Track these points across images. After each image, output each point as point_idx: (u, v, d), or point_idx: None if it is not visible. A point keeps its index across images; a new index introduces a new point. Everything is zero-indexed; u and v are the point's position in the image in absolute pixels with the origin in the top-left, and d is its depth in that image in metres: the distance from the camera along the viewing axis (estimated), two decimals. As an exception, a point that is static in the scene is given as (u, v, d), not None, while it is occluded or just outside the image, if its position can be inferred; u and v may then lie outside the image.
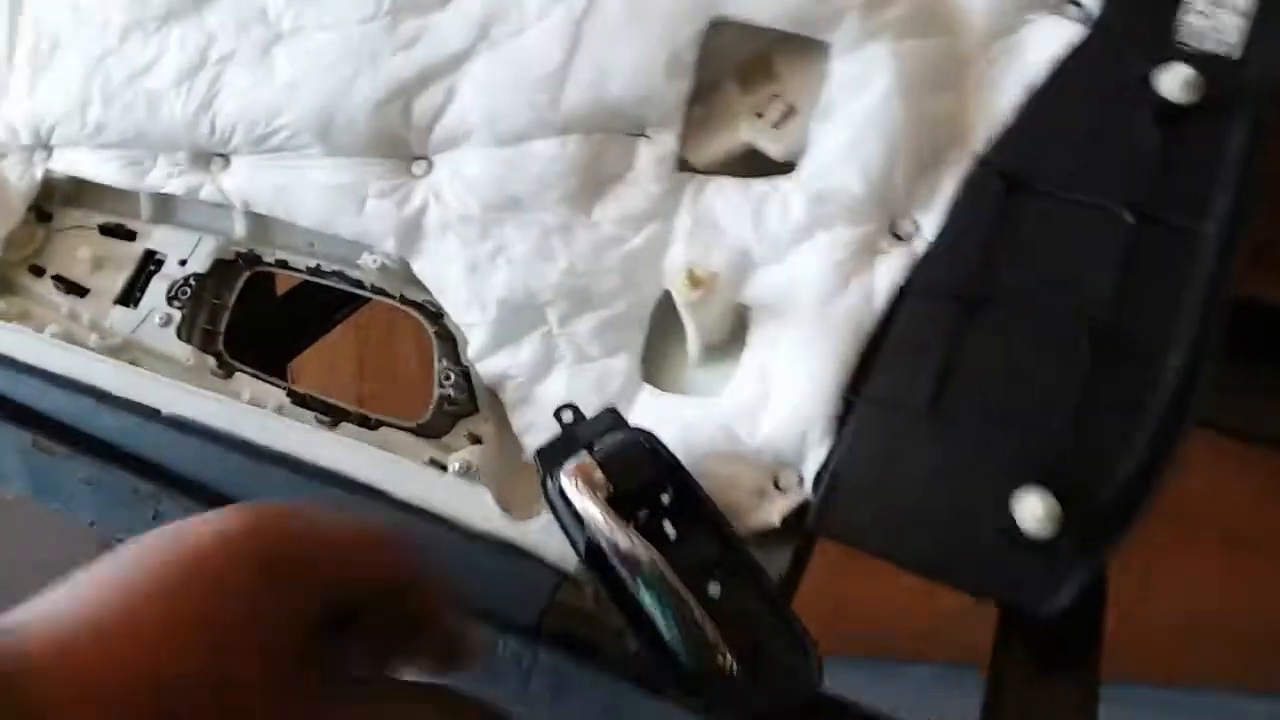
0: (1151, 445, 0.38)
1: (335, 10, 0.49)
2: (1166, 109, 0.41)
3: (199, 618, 0.26)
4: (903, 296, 0.43)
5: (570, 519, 0.40)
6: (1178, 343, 0.39)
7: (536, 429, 0.47)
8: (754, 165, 0.47)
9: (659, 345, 0.47)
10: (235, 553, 0.27)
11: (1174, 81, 0.41)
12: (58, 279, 0.54)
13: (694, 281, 0.43)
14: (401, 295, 0.51)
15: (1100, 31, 0.44)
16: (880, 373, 0.42)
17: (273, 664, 0.27)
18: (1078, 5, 0.45)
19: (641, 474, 0.40)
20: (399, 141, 0.49)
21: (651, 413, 0.45)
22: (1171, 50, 0.43)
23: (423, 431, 0.49)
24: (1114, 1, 0.44)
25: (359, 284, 0.52)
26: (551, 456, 0.41)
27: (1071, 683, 0.40)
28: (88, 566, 0.28)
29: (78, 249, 0.54)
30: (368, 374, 0.77)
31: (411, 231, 0.49)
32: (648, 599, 0.39)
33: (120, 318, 0.53)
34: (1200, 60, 0.42)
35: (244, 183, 0.51)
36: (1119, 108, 0.42)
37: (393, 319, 0.52)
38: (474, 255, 0.48)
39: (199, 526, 0.28)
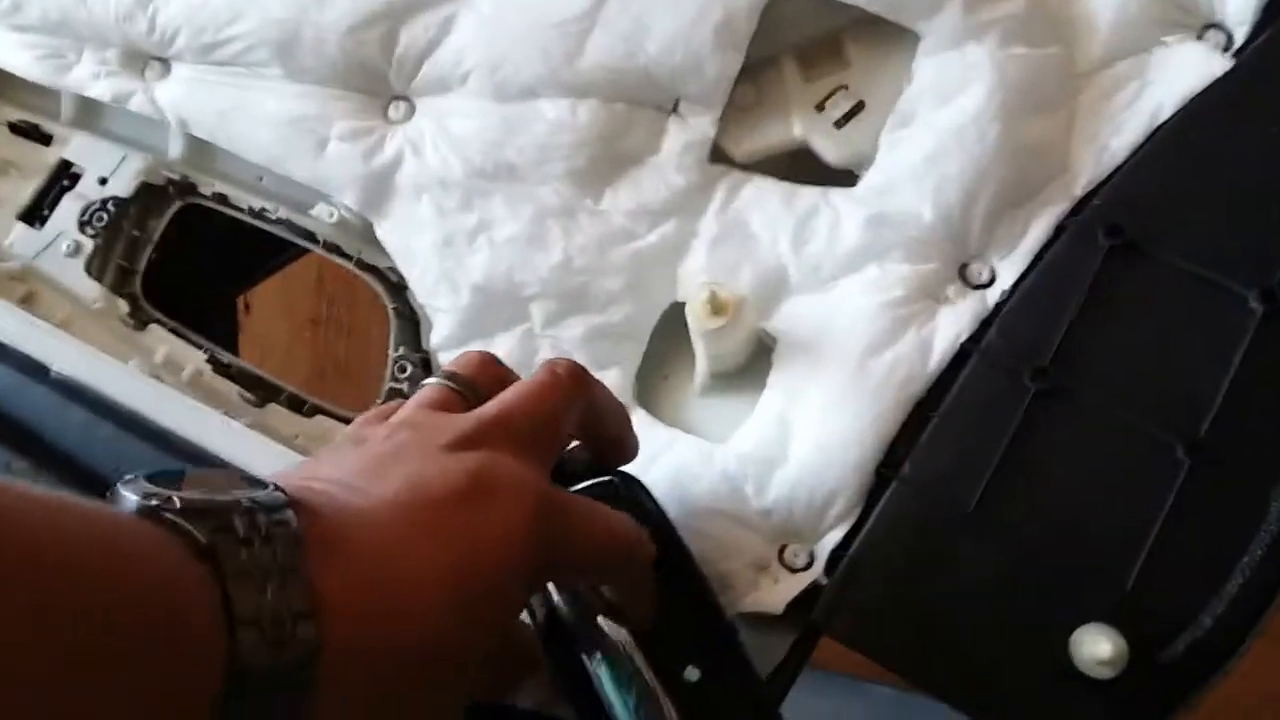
0: (1245, 593, 0.31)
1: (318, -101, 0.39)
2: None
3: (485, 597, 0.25)
4: (965, 358, 0.35)
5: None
6: (1296, 473, 0.32)
7: (501, 446, 0.39)
8: (804, 168, 0.39)
9: (658, 362, 0.40)
10: (527, 542, 0.26)
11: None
12: (-50, 178, 0.45)
13: (716, 307, 0.35)
14: (359, 257, 0.43)
15: (1250, 70, 0.36)
16: (926, 449, 0.34)
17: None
18: (1227, 35, 0.37)
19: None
20: (376, 75, 0.40)
21: (641, 445, 0.38)
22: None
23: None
24: (1272, 35, 0.36)
25: (310, 235, 0.43)
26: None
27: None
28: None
29: (-21, 145, 0.45)
30: (329, 331, 0.67)
31: (379, 187, 0.40)
32: (607, 683, 0.32)
33: (21, 237, 0.44)
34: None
35: (183, 97, 0.41)
36: (1265, 167, 0.34)
37: (353, 277, 0.43)
38: (451, 228, 0.39)
39: (504, 495, 0.26)
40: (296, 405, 0.41)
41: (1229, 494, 0.32)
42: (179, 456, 0.36)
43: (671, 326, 0.39)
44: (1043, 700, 0.31)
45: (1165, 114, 0.36)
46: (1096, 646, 0.31)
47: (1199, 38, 0.37)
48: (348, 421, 0.41)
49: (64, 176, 0.44)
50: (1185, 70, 0.36)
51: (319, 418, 0.41)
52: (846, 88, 0.39)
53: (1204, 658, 0.31)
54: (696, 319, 0.35)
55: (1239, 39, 0.37)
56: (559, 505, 0.28)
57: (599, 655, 0.31)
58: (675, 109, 0.39)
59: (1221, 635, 0.31)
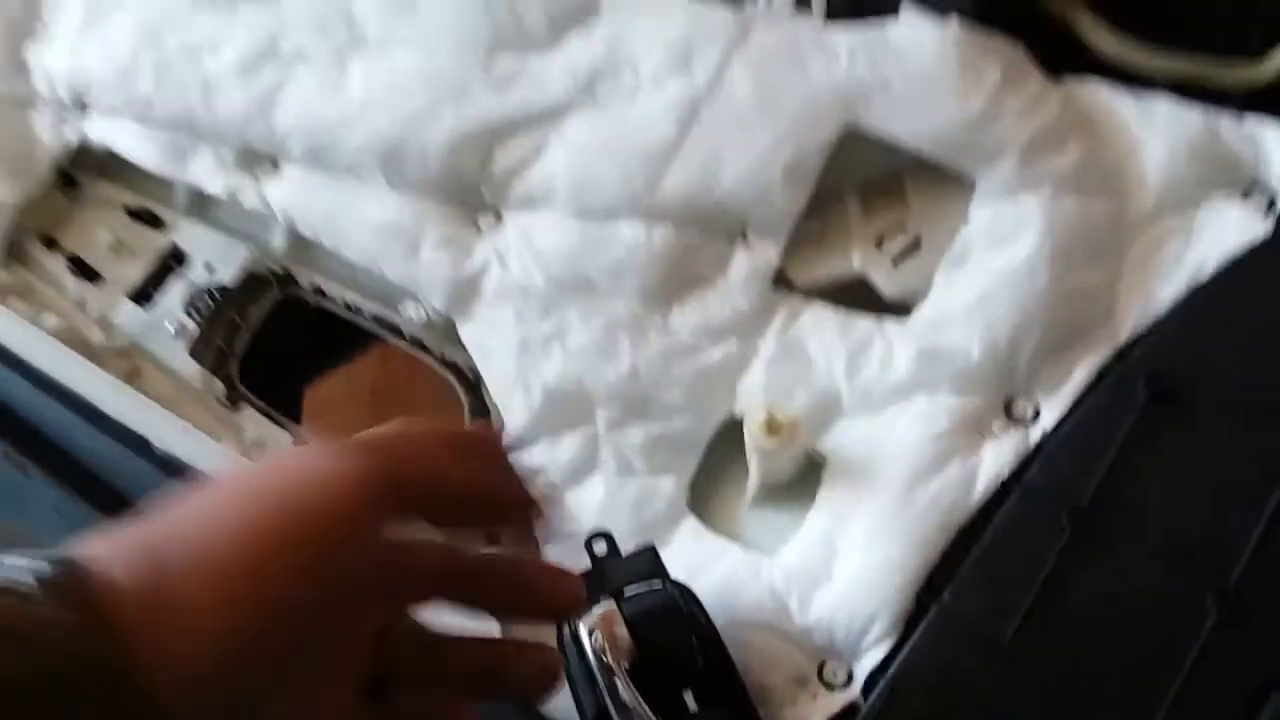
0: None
1: (429, 30, 0.43)
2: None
3: (311, 544, 0.27)
4: (1006, 492, 0.37)
5: (581, 673, 0.35)
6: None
7: (559, 540, 0.42)
8: (861, 298, 0.41)
9: (712, 472, 0.42)
10: (368, 498, 0.28)
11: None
12: (73, 259, 0.49)
13: (772, 427, 0.37)
14: (442, 354, 0.46)
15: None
16: (967, 580, 0.36)
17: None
18: (1270, 197, 0.39)
19: (674, 643, 0.35)
20: (470, 189, 0.43)
21: (692, 551, 0.40)
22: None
23: (434, 513, 0.44)
24: (1311, 197, 0.38)
25: (397, 331, 0.46)
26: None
27: None
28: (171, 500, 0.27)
29: (98, 228, 0.49)
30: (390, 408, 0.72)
31: (466, 292, 0.43)
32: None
33: (130, 315, 0.47)
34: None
35: (291, 196, 0.45)
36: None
37: (415, 372, 0.46)
38: (529, 333, 0.42)
39: (321, 466, 0.28)
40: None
41: (1255, 647, 0.33)
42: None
43: (727, 439, 0.41)
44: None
45: (1209, 270, 0.38)
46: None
47: (1245, 195, 0.39)
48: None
49: (173, 259, 0.48)
50: (1228, 229, 0.38)
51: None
52: (905, 226, 0.41)
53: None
54: (753, 437, 0.37)
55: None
56: (388, 449, 0.31)
57: None
58: (744, 237, 0.41)
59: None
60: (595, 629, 0.35)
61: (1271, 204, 0.39)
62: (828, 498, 0.39)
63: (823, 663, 0.37)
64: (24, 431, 0.41)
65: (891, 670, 0.36)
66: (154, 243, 0.49)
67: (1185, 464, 0.36)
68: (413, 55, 0.43)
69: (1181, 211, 0.39)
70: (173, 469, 0.41)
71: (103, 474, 0.41)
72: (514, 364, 0.42)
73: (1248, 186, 0.40)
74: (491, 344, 0.43)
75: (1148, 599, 0.34)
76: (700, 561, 0.39)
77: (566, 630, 0.35)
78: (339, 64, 0.44)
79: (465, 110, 0.43)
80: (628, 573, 0.37)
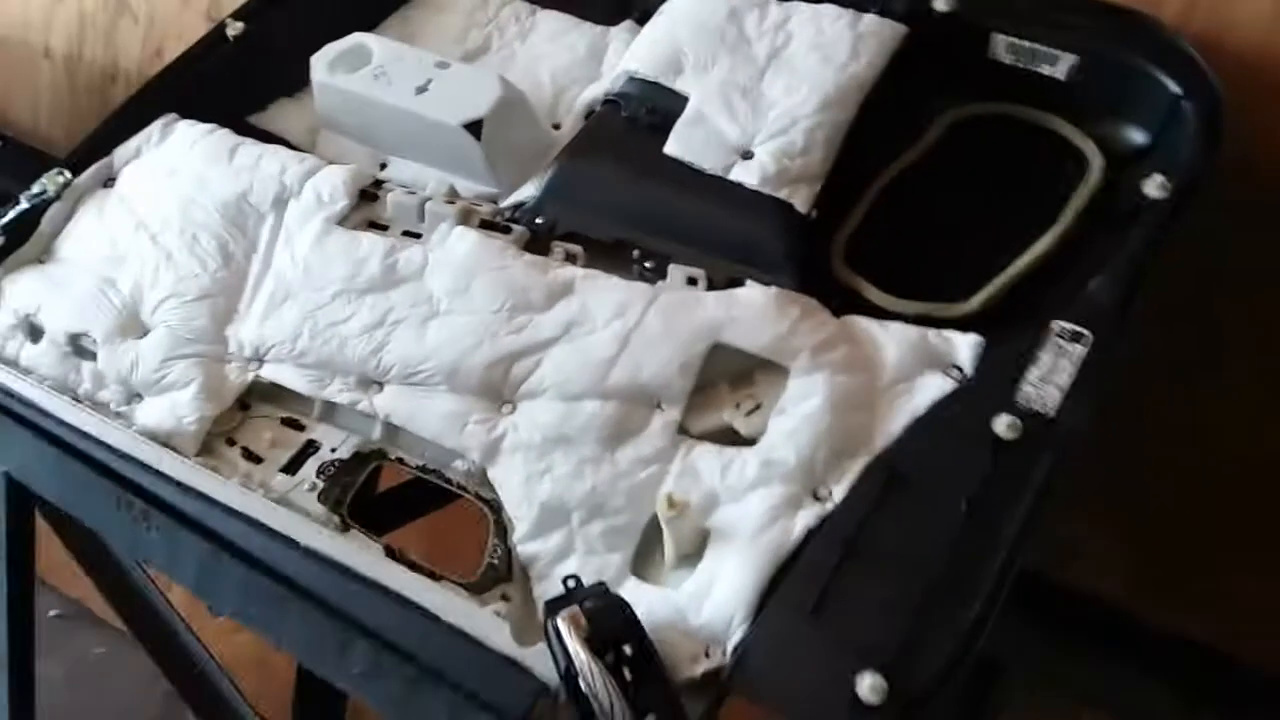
0: (952, 659, 0.55)
1: (476, 303, 0.75)
2: (997, 442, 0.63)
3: None
4: (810, 538, 0.63)
5: (559, 650, 0.59)
6: (980, 595, 0.57)
7: (549, 597, 0.66)
8: (728, 438, 0.69)
9: (646, 551, 0.67)
10: None
11: (1004, 427, 0.63)
12: (244, 450, 0.77)
13: (671, 503, 0.64)
14: (476, 491, 0.73)
15: (966, 390, 0.66)
16: (786, 585, 0.61)
17: None
18: (959, 370, 0.68)
19: (614, 626, 0.59)
20: (495, 390, 0.73)
21: (631, 594, 0.64)
22: (1011, 407, 0.64)
23: (471, 588, 0.68)
24: (979, 372, 0.67)
25: (448, 480, 0.74)
26: (554, 606, 0.60)
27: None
28: None
29: (263, 432, 0.78)
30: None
31: (493, 449, 0.71)
32: (601, 720, 0.56)
33: (281, 481, 0.75)
34: (1026, 414, 0.63)
35: (390, 403, 0.75)
36: (968, 440, 0.63)
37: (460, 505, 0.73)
38: (530, 470, 0.70)
39: None
40: (433, 575, 0.69)
41: (949, 604, 0.57)
42: (379, 593, 0.64)
43: (656, 531, 0.67)
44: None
45: (921, 410, 0.66)
46: (870, 683, 0.55)
47: (945, 374, 0.68)
48: (460, 585, 0.69)
49: (310, 447, 0.77)
50: (932, 389, 0.67)
51: (444, 581, 0.69)
52: (752, 396, 0.70)
53: (935, 688, 0.55)
54: (661, 511, 0.64)
55: (967, 373, 0.68)
56: None
57: (597, 703, 0.56)
58: (659, 406, 0.70)
59: (944, 675, 0.55)
60: (566, 620, 0.59)
61: (961, 376, 0.68)
62: (711, 551, 0.64)
63: (708, 645, 0.60)
64: (218, 539, 0.68)
65: (745, 642, 0.59)
66: (298, 438, 0.77)
67: (909, 513, 0.62)
68: (466, 318, 0.74)
69: (907, 380, 0.68)
70: (314, 556, 0.66)
71: (268, 561, 0.67)
72: (521, 491, 0.69)
73: (946, 367, 0.68)
74: (508, 480, 0.70)
75: (888, 583, 0.59)
76: (634, 599, 0.63)
77: (549, 624, 0.59)
78: (422, 325, 0.75)
79: (495, 345, 0.73)
80: (587, 594, 0.62)
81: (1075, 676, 0.86)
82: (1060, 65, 0.82)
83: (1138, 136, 0.80)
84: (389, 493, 0.87)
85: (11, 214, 0.92)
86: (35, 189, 0.93)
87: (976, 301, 0.74)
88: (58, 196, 0.92)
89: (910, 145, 0.85)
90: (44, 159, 1.45)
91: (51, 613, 1.74)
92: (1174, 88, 0.76)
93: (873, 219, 0.81)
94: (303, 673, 1.16)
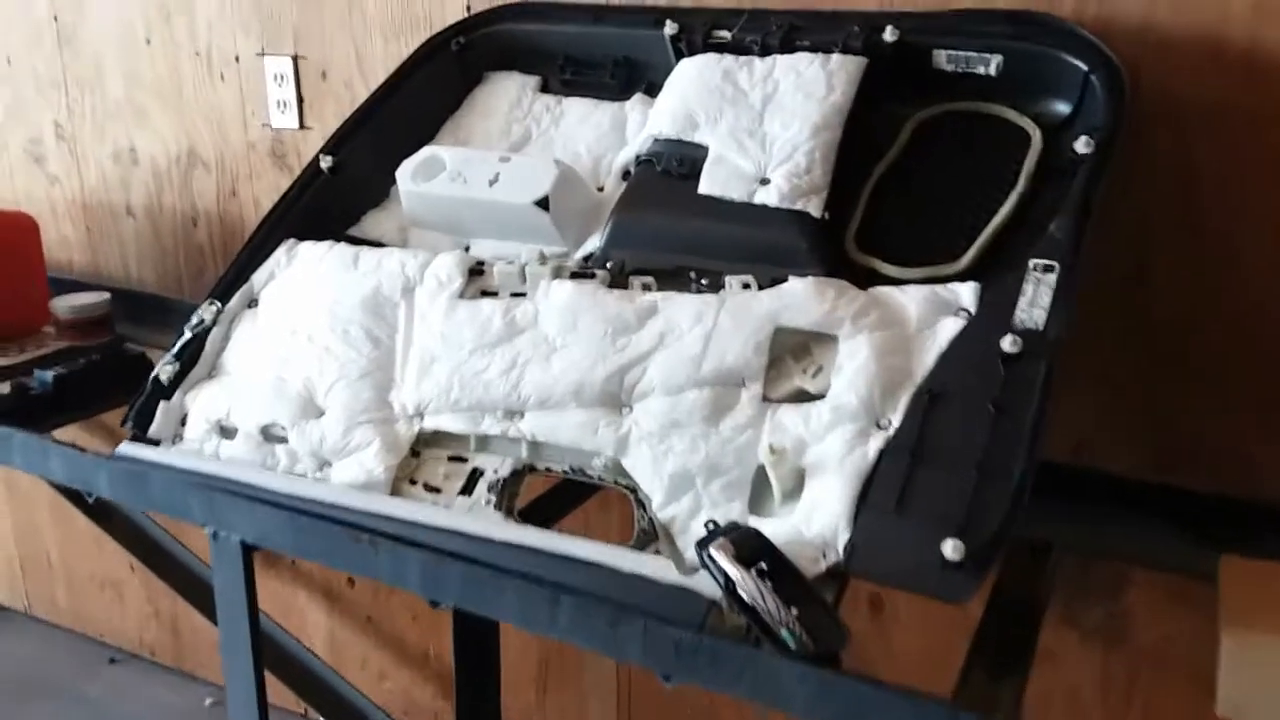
0: (1007, 516, 0.76)
1: (584, 335, 0.96)
2: (1005, 356, 0.83)
3: None
4: (881, 457, 0.83)
5: (718, 571, 0.79)
6: (1017, 470, 0.78)
7: (692, 545, 0.86)
8: (802, 397, 0.90)
9: (758, 495, 0.88)
10: None
11: (1009, 344, 0.83)
12: (426, 485, 0.98)
13: (772, 450, 0.84)
14: (616, 480, 0.93)
15: (974, 325, 0.87)
16: (872, 494, 0.81)
17: None
18: (966, 311, 0.89)
19: (754, 547, 0.79)
20: (614, 398, 0.94)
21: (754, 527, 0.85)
22: (1010, 329, 0.85)
23: (632, 547, 0.89)
24: (981, 310, 0.88)
25: (589, 475, 0.94)
26: (704, 542, 0.81)
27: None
28: None
29: (437, 469, 0.99)
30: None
31: (623, 443, 0.92)
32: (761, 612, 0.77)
33: (461, 502, 0.96)
34: (1023, 332, 0.84)
35: (532, 426, 0.96)
36: (983, 360, 0.84)
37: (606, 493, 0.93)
38: (655, 452, 0.90)
39: None
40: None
41: (997, 479, 0.78)
42: (552, 559, 0.84)
43: (762, 479, 0.87)
44: (935, 575, 0.75)
45: (945, 346, 0.87)
46: (951, 546, 0.75)
47: (955, 315, 0.89)
48: (625, 546, 0.89)
49: (476, 474, 0.97)
50: (950, 329, 0.88)
51: (610, 545, 0.89)
52: (814, 361, 0.91)
53: (997, 541, 0.75)
54: (764, 457, 0.84)
55: (972, 313, 0.89)
56: None
57: (756, 602, 0.77)
58: (743, 384, 0.91)
59: (1003, 530, 0.75)
60: (720, 548, 0.79)
61: (967, 316, 0.89)
62: (809, 484, 0.85)
63: (824, 549, 0.81)
64: (431, 548, 0.88)
65: (851, 540, 0.80)
66: (465, 469, 0.98)
67: (949, 416, 0.82)
68: (580, 348, 0.96)
69: (930, 327, 0.89)
70: (508, 546, 0.87)
71: (466, 552, 0.87)
72: (652, 469, 0.90)
73: (956, 311, 0.89)
74: (638, 465, 0.91)
75: (947, 476, 0.79)
76: (761, 529, 0.84)
77: (705, 555, 0.80)
78: (546, 360, 0.96)
79: (608, 364, 0.94)
80: (726, 529, 0.82)
81: (1112, 543, 1.06)
82: (991, 64, 1.04)
83: (1062, 109, 1.01)
84: (543, 496, 1.08)
85: (180, 343, 1.13)
86: (194, 320, 1.15)
87: (966, 259, 0.95)
88: (214, 323, 1.14)
89: (887, 148, 1.06)
90: (142, 299, 1.68)
91: (208, 701, 1.93)
92: (1082, 66, 0.98)
93: (872, 211, 1.03)
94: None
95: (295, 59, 1.50)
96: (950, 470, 0.80)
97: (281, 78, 1.50)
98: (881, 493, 0.81)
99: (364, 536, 0.91)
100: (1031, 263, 0.88)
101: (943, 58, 1.06)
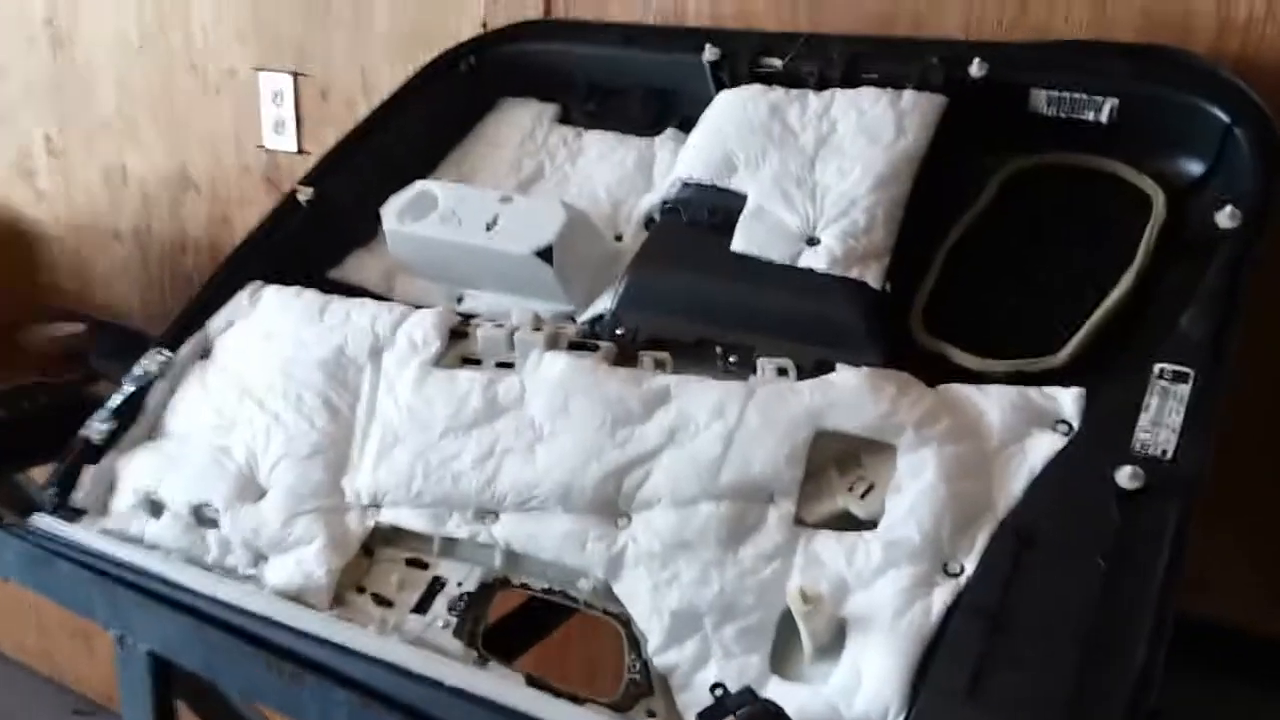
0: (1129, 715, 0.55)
1: (577, 423, 0.77)
2: (1122, 494, 0.63)
3: None
4: (950, 615, 0.63)
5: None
6: (1139, 652, 0.57)
7: (695, 706, 0.67)
8: (846, 523, 0.70)
9: (783, 648, 0.68)
10: None
11: (1127, 478, 0.63)
12: (375, 596, 0.79)
13: (805, 598, 0.64)
14: (604, 608, 0.74)
15: (1078, 444, 0.67)
16: (936, 669, 0.61)
17: None
18: (1067, 424, 0.69)
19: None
20: (609, 505, 0.74)
21: (777, 694, 0.65)
22: (1128, 456, 0.65)
23: (615, 707, 0.69)
24: (1087, 424, 0.67)
25: (574, 599, 0.75)
26: (711, 716, 0.61)
27: None
28: None
29: (390, 575, 0.80)
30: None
31: (616, 564, 0.72)
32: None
33: (415, 622, 0.77)
34: (1145, 461, 0.64)
35: (508, 530, 0.77)
36: (1091, 495, 0.64)
37: (593, 625, 0.74)
38: (656, 579, 0.71)
39: None
40: (576, 699, 0.70)
41: (1105, 668, 0.57)
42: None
43: (788, 625, 0.67)
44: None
45: (1037, 469, 0.66)
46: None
47: (1052, 429, 0.69)
48: (605, 705, 0.69)
49: (437, 584, 0.79)
50: (1044, 447, 0.67)
51: (589, 704, 0.70)
52: (864, 477, 0.71)
53: None
54: (796, 606, 0.64)
55: (1075, 427, 0.68)
56: None
57: None
58: (772, 500, 0.71)
59: None
60: (725, 731, 0.60)
61: (1069, 430, 0.68)
62: (852, 642, 0.65)
63: (865, 738, 0.61)
64: (362, 687, 0.69)
65: (904, 729, 0.59)
66: (424, 577, 0.80)
67: (1046, 578, 0.62)
68: (571, 437, 0.77)
69: (1017, 441, 0.69)
70: (462, 695, 0.68)
71: (419, 706, 0.68)
72: (650, 601, 0.70)
73: (1053, 423, 0.69)
74: (635, 592, 0.71)
75: (1041, 655, 0.59)
76: (781, 699, 0.64)
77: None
78: (529, 450, 0.78)
79: (603, 462, 0.75)
80: (737, 702, 0.62)
81: (1240, 715, 0.84)
82: (1103, 109, 0.84)
83: (1193, 168, 0.81)
84: (514, 614, 0.89)
85: (119, 398, 0.97)
86: (138, 371, 0.98)
87: (1066, 352, 0.74)
88: (160, 374, 0.97)
89: (967, 207, 0.87)
90: (128, 334, 1.53)
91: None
92: (1222, 116, 0.77)
93: (945, 283, 0.83)
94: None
95: (295, 75, 1.35)
96: (1044, 643, 0.59)
97: (280, 96, 1.35)
98: (949, 667, 0.61)
99: (287, 667, 0.72)
100: (1157, 368, 0.67)
101: (1042, 99, 0.86)
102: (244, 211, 1.44)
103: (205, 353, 0.98)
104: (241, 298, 0.99)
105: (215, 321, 0.99)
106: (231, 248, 1.04)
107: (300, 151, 1.39)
